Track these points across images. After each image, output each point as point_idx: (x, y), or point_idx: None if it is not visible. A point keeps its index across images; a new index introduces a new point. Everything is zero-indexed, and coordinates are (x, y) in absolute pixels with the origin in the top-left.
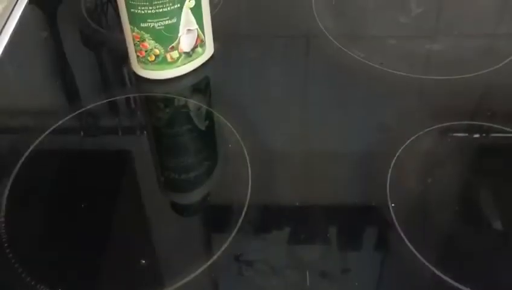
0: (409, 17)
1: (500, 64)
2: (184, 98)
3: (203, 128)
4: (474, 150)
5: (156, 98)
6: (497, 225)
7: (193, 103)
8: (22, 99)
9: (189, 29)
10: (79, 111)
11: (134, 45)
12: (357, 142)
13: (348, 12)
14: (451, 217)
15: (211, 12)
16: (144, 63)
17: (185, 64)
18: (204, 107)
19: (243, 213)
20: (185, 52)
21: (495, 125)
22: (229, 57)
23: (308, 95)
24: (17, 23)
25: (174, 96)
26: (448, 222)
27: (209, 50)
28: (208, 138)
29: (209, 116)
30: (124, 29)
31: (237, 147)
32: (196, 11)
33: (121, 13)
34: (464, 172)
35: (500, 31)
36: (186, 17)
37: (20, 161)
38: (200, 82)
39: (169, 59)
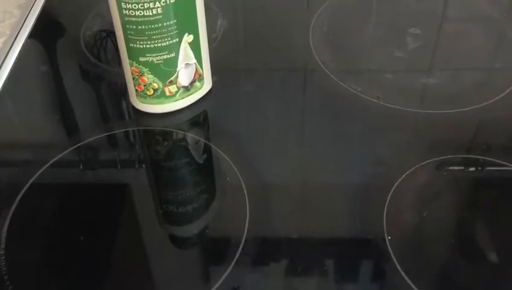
0: (405, 52)
1: (496, 99)
2: (182, 132)
3: (201, 161)
4: (470, 184)
5: (154, 132)
6: (493, 257)
7: (191, 136)
8: (22, 133)
9: (187, 64)
10: (78, 145)
11: (133, 79)
12: (354, 176)
13: (344, 46)
14: (448, 250)
15: (209, 46)
16: (143, 97)
17: (183, 98)
18: (203, 140)
19: (241, 246)
20: (183, 87)
21: (491, 159)
22: (227, 90)
23: (305, 128)
24: (17, 57)
25: (173, 130)
26: (445, 254)
27: (207, 84)
28: (206, 171)
29: (207, 150)
30: (123, 64)
31: (235, 180)
32: (194, 45)
33: (119, 48)
34: (460, 205)
35: (495, 66)
36: (185, 52)
37: (20, 194)
38: (199, 116)
39: (167, 93)
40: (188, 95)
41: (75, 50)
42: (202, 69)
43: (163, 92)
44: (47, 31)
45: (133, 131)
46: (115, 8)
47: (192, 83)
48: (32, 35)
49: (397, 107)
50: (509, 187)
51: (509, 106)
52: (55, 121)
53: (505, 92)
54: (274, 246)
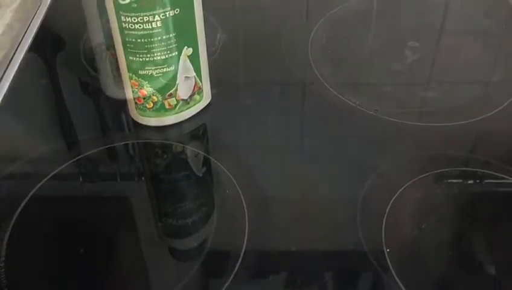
0: (403, 65)
1: (495, 111)
2: (182, 145)
3: (200, 174)
4: (468, 197)
5: (154, 145)
6: (491, 270)
7: (191, 149)
8: (22, 146)
9: (187, 77)
10: (78, 157)
11: (133, 92)
12: (353, 188)
13: (343, 59)
14: (446, 263)
15: (208, 59)
16: (142, 110)
17: (182, 111)
18: (202, 153)
19: (240, 258)
20: (182, 99)
21: (489, 172)
22: (227, 103)
23: (304, 141)
24: (16, 70)
25: (172, 143)
26: (443, 267)
27: (206, 97)
28: (206, 184)
29: (206, 163)
30: (123, 77)
31: (234, 193)
32: (194, 58)
33: (119, 61)
34: (458, 218)
35: (493, 79)
36: (184, 65)
37: (20, 207)
38: (198, 129)
39: (167, 106)
40: (187, 108)
41: (74, 63)
42: (201, 82)
43: (162, 105)
44: (47, 44)
45: (133, 144)
46: (114, 21)
47: (191, 96)
48: (32, 48)
49: (395, 120)
50: (507, 199)
51: (507, 118)
52: (55, 133)
53: (504, 105)
54: (273, 259)
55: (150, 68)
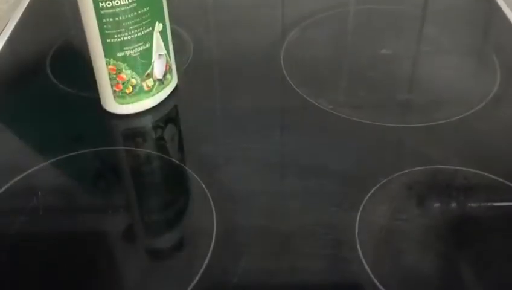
0: (377, 71)
1: (471, 112)
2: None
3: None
4: (444, 194)
5: (134, 134)
6: (466, 269)
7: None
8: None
9: (160, 54)
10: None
11: (110, 79)
12: (332, 194)
13: (317, 65)
14: (422, 261)
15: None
16: (121, 97)
17: (159, 92)
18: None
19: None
20: (158, 80)
21: (465, 169)
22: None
23: (273, 147)
24: None
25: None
26: (419, 266)
27: (175, 77)
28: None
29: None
30: (96, 67)
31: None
32: (163, 35)
33: (92, 50)
34: (434, 216)
35: (468, 80)
36: (157, 42)
37: None
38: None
39: (145, 88)
40: (162, 89)
41: (40, 74)
42: (170, 60)
43: (141, 87)
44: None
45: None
46: (89, 4)
47: (164, 75)
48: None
49: (370, 122)
50: (484, 194)
51: (483, 118)
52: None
53: (479, 106)
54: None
55: (128, 48)
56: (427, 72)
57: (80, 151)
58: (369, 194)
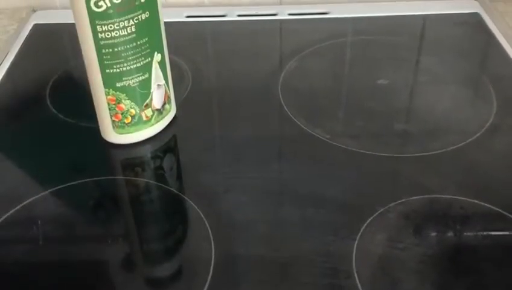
0: (374, 101)
1: (468, 141)
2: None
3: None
4: (441, 223)
5: (133, 164)
6: None
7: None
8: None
9: (159, 85)
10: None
11: (110, 109)
12: (324, 220)
13: (314, 96)
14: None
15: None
16: (120, 127)
17: (158, 122)
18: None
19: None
20: (157, 110)
21: (461, 198)
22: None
23: (273, 175)
24: None
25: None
26: None
27: (174, 107)
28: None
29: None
30: (96, 97)
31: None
32: (162, 65)
33: (91, 81)
34: (429, 244)
35: (466, 111)
36: (156, 72)
37: None
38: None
39: (144, 118)
40: (161, 118)
41: (40, 105)
42: (169, 90)
43: (140, 117)
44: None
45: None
46: (88, 35)
47: (163, 105)
48: None
49: (367, 152)
50: (481, 223)
51: (479, 148)
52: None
53: (475, 136)
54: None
55: (127, 78)
56: (424, 102)
57: (79, 181)
58: (366, 223)
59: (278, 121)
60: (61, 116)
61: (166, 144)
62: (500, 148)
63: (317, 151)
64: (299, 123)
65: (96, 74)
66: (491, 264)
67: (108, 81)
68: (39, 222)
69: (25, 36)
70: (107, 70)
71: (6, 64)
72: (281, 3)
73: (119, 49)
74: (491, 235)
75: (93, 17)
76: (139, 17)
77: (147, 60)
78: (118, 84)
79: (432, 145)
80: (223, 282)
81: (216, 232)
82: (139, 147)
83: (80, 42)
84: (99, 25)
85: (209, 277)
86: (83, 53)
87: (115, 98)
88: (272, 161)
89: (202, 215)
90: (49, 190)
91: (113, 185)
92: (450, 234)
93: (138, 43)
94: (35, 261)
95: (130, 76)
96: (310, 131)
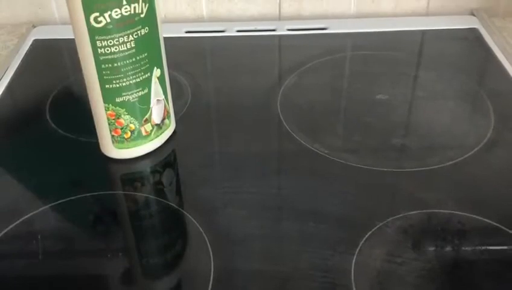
0: (373, 116)
1: (466, 156)
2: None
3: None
4: (440, 237)
5: (133, 178)
6: None
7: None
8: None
9: (158, 100)
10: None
11: (109, 124)
12: (323, 234)
13: (313, 111)
14: None
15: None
16: (120, 142)
17: (157, 136)
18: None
19: None
20: (156, 124)
21: (459, 213)
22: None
23: (272, 186)
24: None
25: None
26: None
27: (173, 122)
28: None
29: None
30: (95, 112)
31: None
32: (161, 80)
33: (91, 96)
34: (428, 259)
35: (463, 125)
36: (155, 87)
37: None
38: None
39: (143, 133)
40: (161, 133)
41: (40, 120)
42: (169, 105)
43: (140, 132)
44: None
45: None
46: (88, 51)
47: (163, 120)
48: None
49: (365, 167)
50: (479, 238)
51: (477, 163)
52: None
53: (473, 151)
54: None
55: (126, 93)
56: (422, 117)
57: (79, 196)
58: (365, 238)
59: (277, 136)
60: (60, 131)
61: (165, 159)
62: (498, 163)
63: (316, 166)
64: (298, 138)
65: (95, 89)
66: (489, 278)
67: (108, 96)
68: (39, 236)
69: (25, 51)
70: (107, 86)
71: (6, 80)
72: (279, 19)
73: (119, 64)
74: (489, 249)
75: (93, 32)
76: (139, 32)
77: (147, 75)
78: (118, 100)
79: (430, 160)
80: None
81: (215, 247)
82: (139, 161)
83: (80, 57)
84: (98, 40)
85: None
86: (83, 68)
87: (114, 113)
88: (271, 176)
89: (201, 230)
90: (49, 205)
91: (112, 199)
92: (448, 248)
93: (138, 58)
94: (35, 275)
95: (129, 91)
96: (309, 146)
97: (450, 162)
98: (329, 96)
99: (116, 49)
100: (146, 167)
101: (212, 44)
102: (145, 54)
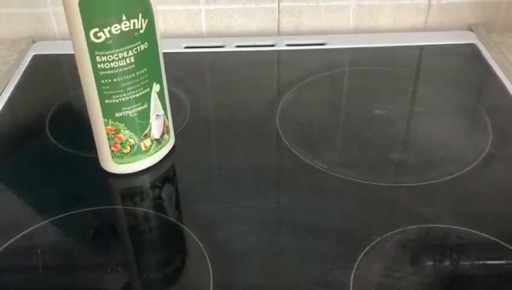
0: (371, 131)
1: (464, 171)
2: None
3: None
4: (438, 252)
5: (132, 193)
6: None
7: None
8: None
9: (157, 115)
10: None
11: (109, 139)
12: (321, 249)
13: (312, 126)
14: None
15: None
16: (119, 157)
17: (156, 151)
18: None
19: None
20: (156, 139)
21: (458, 227)
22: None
23: (271, 201)
24: None
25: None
26: None
27: (172, 137)
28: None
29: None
30: (95, 127)
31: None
32: (160, 95)
33: (91, 110)
34: (426, 273)
35: (461, 140)
36: (155, 102)
37: None
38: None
39: (143, 148)
40: (160, 148)
41: (40, 135)
42: (168, 121)
43: (139, 147)
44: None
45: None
46: (88, 66)
47: (162, 135)
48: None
49: (364, 181)
50: (477, 253)
51: (475, 177)
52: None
53: (471, 166)
54: None
55: (126, 108)
56: (420, 132)
57: (79, 210)
58: (363, 253)
59: (276, 151)
60: (60, 146)
61: (165, 174)
62: (496, 178)
63: (315, 181)
64: (296, 153)
65: (95, 104)
66: None
67: (108, 112)
68: (39, 251)
69: (25, 67)
70: (106, 101)
71: (6, 95)
72: (278, 34)
73: (118, 79)
74: (487, 264)
75: (93, 48)
76: (138, 47)
77: (146, 91)
78: (117, 115)
79: (429, 175)
80: None
81: (214, 262)
82: (138, 176)
83: (79, 73)
84: (98, 55)
85: None
86: (82, 84)
87: (114, 128)
88: (270, 191)
89: (201, 245)
90: (49, 219)
91: (112, 214)
92: (447, 263)
93: (137, 73)
94: (35, 289)
95: (129, 106)
96: (308, 161)
97: (449, 177)
98: (328, 111)
99: (115, 64)
100: (145, 181)
101: (212, 59)
102: (145, 69)
